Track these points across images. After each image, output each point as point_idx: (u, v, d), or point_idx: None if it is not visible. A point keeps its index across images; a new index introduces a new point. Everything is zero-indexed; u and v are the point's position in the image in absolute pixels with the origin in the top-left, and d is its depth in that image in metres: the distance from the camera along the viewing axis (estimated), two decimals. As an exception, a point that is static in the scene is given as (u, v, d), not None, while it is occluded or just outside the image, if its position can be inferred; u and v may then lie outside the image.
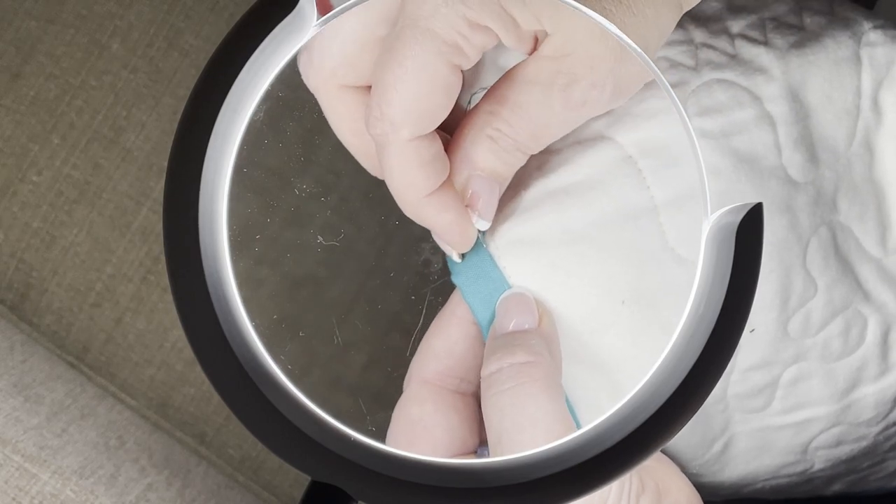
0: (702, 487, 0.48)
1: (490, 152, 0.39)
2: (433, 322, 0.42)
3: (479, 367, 0.41)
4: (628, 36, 0.36)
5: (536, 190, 0.42)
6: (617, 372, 0.42)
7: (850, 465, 0.50)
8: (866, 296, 0.46)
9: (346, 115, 0.39)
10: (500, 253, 0.41)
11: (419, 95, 0.36)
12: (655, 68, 0.36)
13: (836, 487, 0.52)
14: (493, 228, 0.41)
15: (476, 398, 0.42)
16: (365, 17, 0.37)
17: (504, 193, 0.40)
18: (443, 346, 0.41)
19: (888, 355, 0.47)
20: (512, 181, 0.40)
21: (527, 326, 0.40)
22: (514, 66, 0.38)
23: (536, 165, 0.42)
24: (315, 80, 0.39)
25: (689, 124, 0.36)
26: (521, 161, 0.40)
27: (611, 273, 0.41)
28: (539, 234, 0.41)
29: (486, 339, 0.41)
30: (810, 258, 0.44)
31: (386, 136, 0.36)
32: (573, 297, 0.41)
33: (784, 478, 0.49)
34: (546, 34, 0.37)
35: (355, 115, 0.39)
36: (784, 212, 0.43)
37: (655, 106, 0.41)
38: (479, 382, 0.41)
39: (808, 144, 0.44)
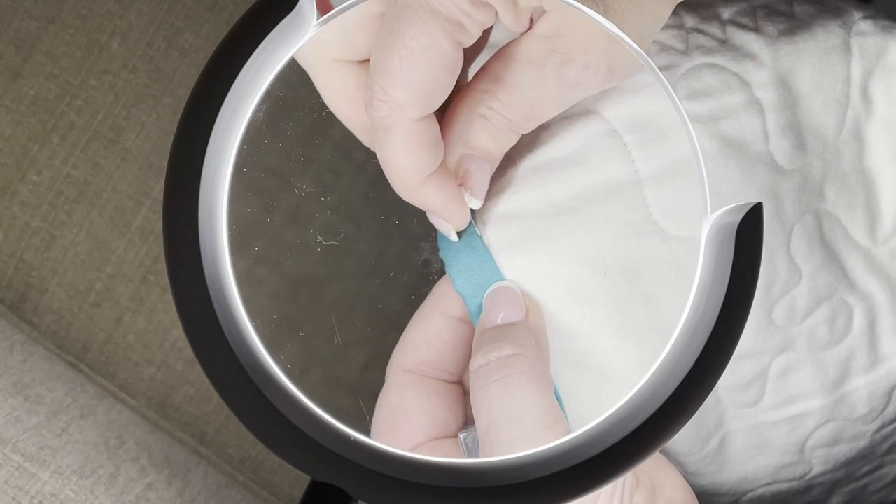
0: (702, 490, 0.48)
1: (483, 131, 0.39)
2: (415, 314, 0.42)
3: (460, 358, 0.41)
4: (626, 26, 0.36)
5: (524, 166, 0.42)
6: (600, 340, 0.42)
7: (848, 469, 0.50)
8: (852, 285, 0.46)
9: (340, 89, 0.39)
10: (485, 228, 0.42)
11: (425, 75, 0.36)
12: (651, 62, 0.36)
13: (837, 500, 0.52)
14: (482, 206, 0.41)
15: (458, 386, 0.42)
16: None
17: (495, 171, 0.41)
18: (424, 337, 0.42)
19: (877, 347, 0.47)
20: (503, 158, 0.41)
21: (514, 319, 0.40)
22: (507, 44, 0.38)
23: (525, 141, 0.42)
24: (309, 55, 0.38)
25: (688, 124, 0.36)
26: (513, 140, 0.40)
27: (593, 244, 0.41)
28: (523, 208, 0.41)
29: (474, 325, 0.41)
30: (794, 245, 0.45)
31: (390, 118, 0.36)
32: (556, 267, 0.41)
33: (784, 482, 0.49)
34: (543, 12, 0.37)
35: (350, 90, 0.39)
36: (769, 198, 0.44)
37: (642, 80, 0.42)
38: (461, 372, 0.41)
39: (797, 132, 0.44)
